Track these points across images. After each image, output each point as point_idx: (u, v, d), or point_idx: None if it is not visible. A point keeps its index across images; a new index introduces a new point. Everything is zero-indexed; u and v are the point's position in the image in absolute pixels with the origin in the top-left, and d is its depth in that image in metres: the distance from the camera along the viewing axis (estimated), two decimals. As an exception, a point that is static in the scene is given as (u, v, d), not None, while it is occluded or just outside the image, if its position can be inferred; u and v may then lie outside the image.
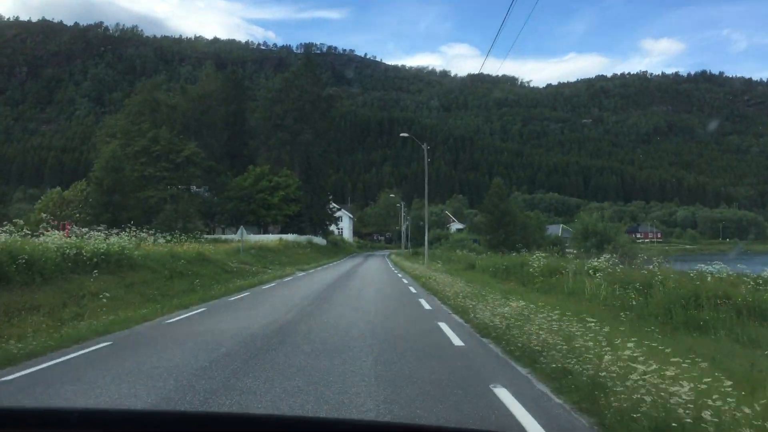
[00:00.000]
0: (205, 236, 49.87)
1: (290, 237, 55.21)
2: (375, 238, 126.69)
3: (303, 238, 58.68)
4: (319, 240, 67.34)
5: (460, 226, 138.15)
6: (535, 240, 68.49)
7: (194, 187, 60.72)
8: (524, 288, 19.75)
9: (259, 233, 58.38)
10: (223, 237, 51.35)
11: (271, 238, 51.67)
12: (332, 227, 79.63)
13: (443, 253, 50.17)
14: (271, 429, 1.97)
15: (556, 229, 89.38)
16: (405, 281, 26.46)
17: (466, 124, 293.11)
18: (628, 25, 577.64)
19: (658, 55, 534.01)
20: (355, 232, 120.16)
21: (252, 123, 67.45)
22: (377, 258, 63.33)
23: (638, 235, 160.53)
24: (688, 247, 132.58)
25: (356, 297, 18.66)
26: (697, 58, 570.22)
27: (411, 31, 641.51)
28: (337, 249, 72.46)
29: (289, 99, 64.30)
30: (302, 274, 31.98)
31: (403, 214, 71.61)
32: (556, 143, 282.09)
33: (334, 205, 79.70)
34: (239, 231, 34.58)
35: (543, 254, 24.31)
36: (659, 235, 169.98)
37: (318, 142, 66.25)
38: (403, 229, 73.30)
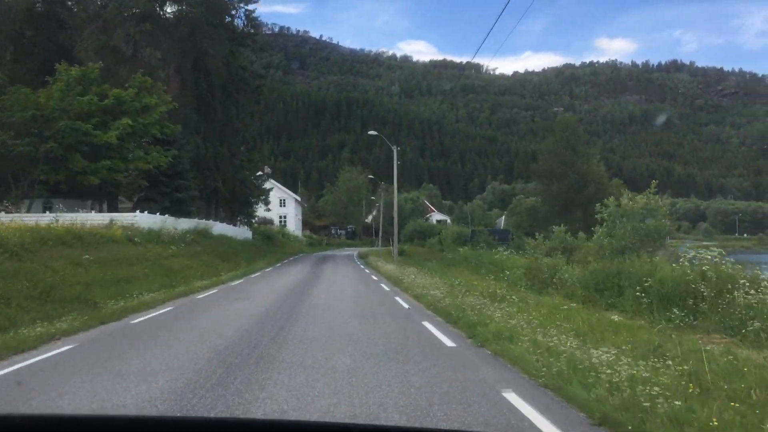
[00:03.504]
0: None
1: (143, 219, 23.90)
2: (333, 232, 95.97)
3: (185, 225, 27.29)
4: (230, 230, 36.06)
5: (440, 216, 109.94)
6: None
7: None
8: None
9: (96, 210, 26.53)
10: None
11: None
12: (265, 211, 47.70)
13: (499, 260, 20.60)
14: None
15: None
16: None
17: (430, 111, 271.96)
18: (583, 25, 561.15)
19: (614, 54, 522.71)
20: (307, 226, 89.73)
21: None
22: (343, 268, 32.76)
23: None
24: (744, 244, 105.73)
25: None
26: (651, 57, 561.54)
27: (368, 26, 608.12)
28: (269, 247, 41.39)
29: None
30: None
31: (384, 195, 40.84)
32: (527, 131, 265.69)
33: (264, 173, 46.33)
34: None
35: None
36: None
37: (223, 36, 32.13)
38: (381, 211, 42.69)
